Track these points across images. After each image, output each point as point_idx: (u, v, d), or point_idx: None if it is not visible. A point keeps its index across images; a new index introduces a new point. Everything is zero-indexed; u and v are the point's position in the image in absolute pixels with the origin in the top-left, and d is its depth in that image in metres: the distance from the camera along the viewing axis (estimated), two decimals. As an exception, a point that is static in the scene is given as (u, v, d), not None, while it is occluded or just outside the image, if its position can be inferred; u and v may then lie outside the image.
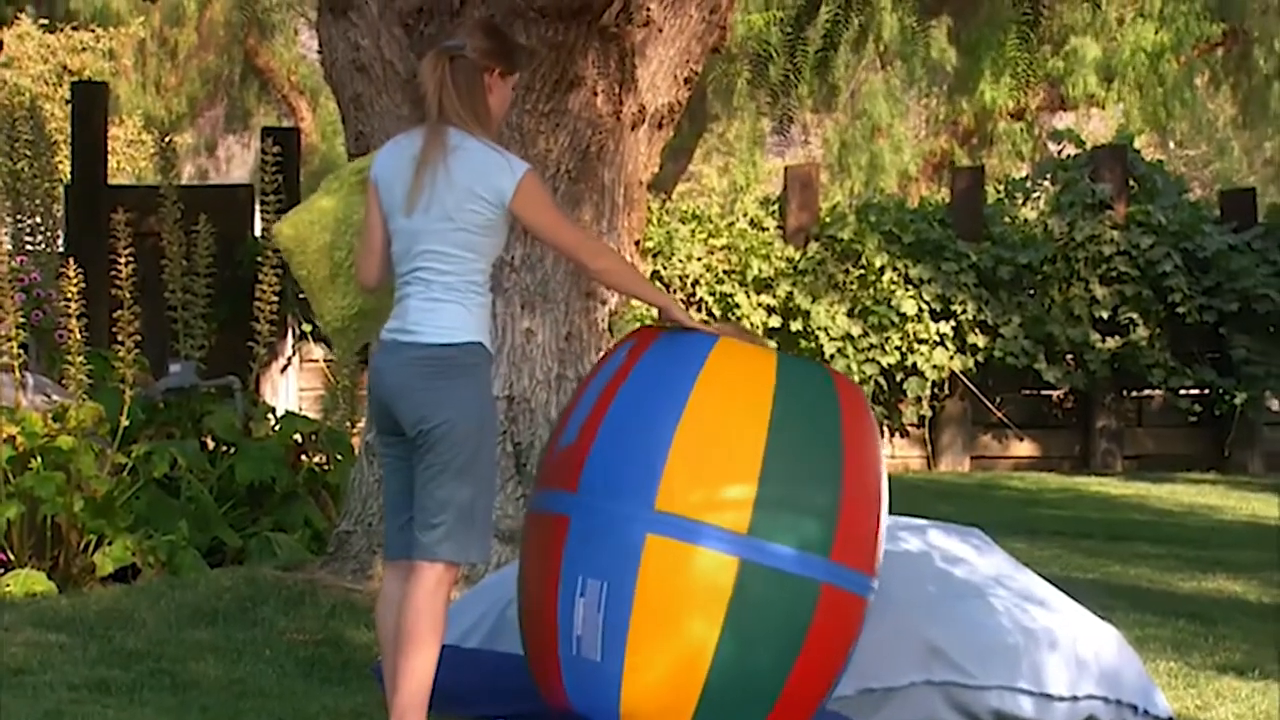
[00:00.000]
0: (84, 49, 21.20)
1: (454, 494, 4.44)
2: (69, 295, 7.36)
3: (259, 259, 8.54)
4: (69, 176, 12.04)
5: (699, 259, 13.66)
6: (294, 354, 12.44)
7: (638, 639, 4.42)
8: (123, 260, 7.64)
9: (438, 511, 4.45)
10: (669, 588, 4.42)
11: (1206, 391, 14.18)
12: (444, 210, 4.51)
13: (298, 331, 12.43)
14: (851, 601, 4.59)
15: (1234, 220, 14.46)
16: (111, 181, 13.83)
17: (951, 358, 13.72)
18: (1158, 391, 14.23)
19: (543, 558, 4.57)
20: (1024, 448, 14.21)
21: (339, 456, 8.16)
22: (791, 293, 13.61)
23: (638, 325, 13.06)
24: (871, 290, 13.69)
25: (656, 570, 4.42)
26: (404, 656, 4.42)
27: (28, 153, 9.05)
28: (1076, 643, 5.31)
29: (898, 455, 13.97)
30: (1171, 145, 29.14)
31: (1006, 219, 14.39)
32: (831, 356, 13.52)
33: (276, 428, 8.22)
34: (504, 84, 4.64)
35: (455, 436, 4.44)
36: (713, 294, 13.62)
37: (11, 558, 7.09)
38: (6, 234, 8.88)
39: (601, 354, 4.92)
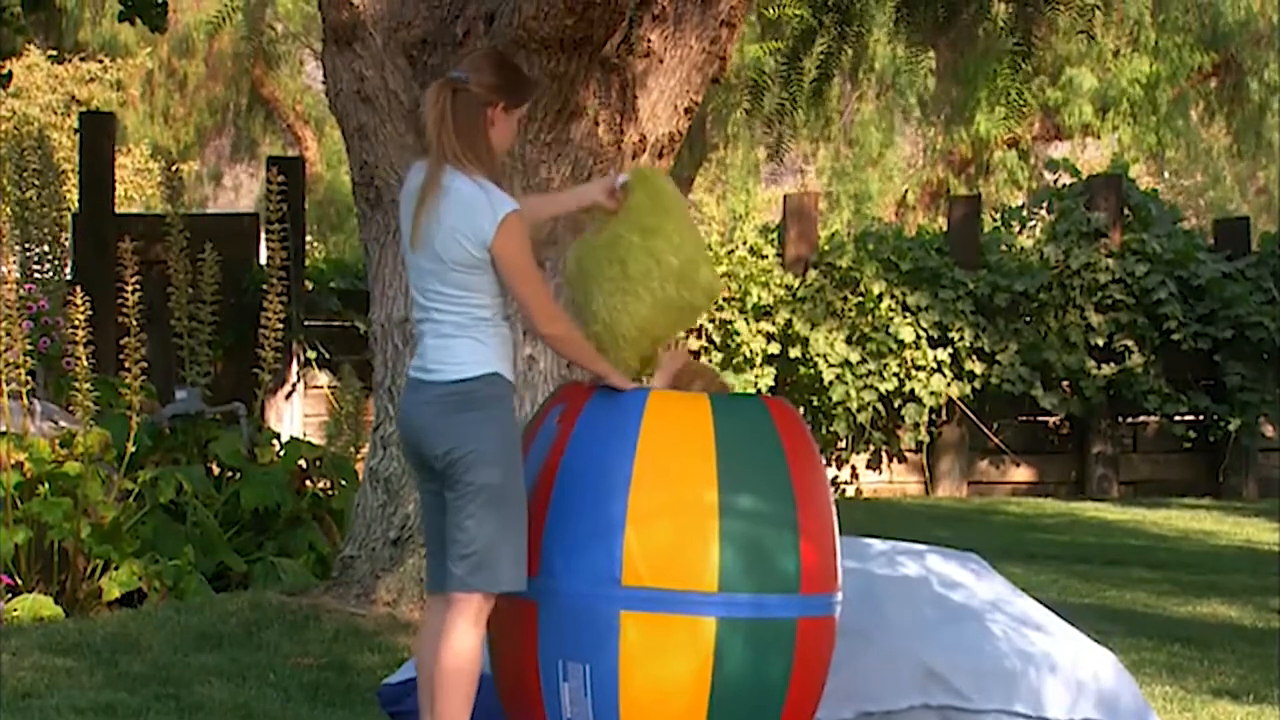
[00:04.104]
0: (91, 79, 21.28)
1: (483, 524, 4.42)
2: (76, 323, 7.38)
3: (264, 286, 8.59)
4: (76, 205, 12.10)
5: (698, 286, 13.71)
6: (299, 380, 12.48)
7: (631, 714, 4.43)
8: (129, 288, 7.68)
9: (468, 542, 4.43)
10: (652, 660, 4.41)
11: (1201, 418, 14.24)
12: (434, 252, 4.50)
13: (302, 358, 12.49)
14: (825, 624, 4.62)
15: (1228, 249, 14.55)
16: (118, 210, 13.91)
17: (949, 384, 13.78)
18: (1153, 418, 14.29)
19: (516, 643, 4.55)
20: (1021, 473, 14.25)
21: (343, 482, 8.18)
22: (791, 320, 13.67)
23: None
24: (870, 317, 13.75)
25: (636, 646, 4.40)
26: (441, 690, 4.44)
27: (36, 182, 9.06)
28: (1074, 667, 5.32)
29: (895, 481, 14.03)
30: (1166, 175, 29.21)
31: (1003, 247, 14.46)
32: (830, 383, 13.58)
33: (281, 453, 8.24)
34: (508, 118, 4.59)
35: (481, 467, 4.43)
36: (713, 321, 13.69)
37: (19, 582, 7.12)
38: (14, 262, 8.91)
39: (530, 420, 4.86)
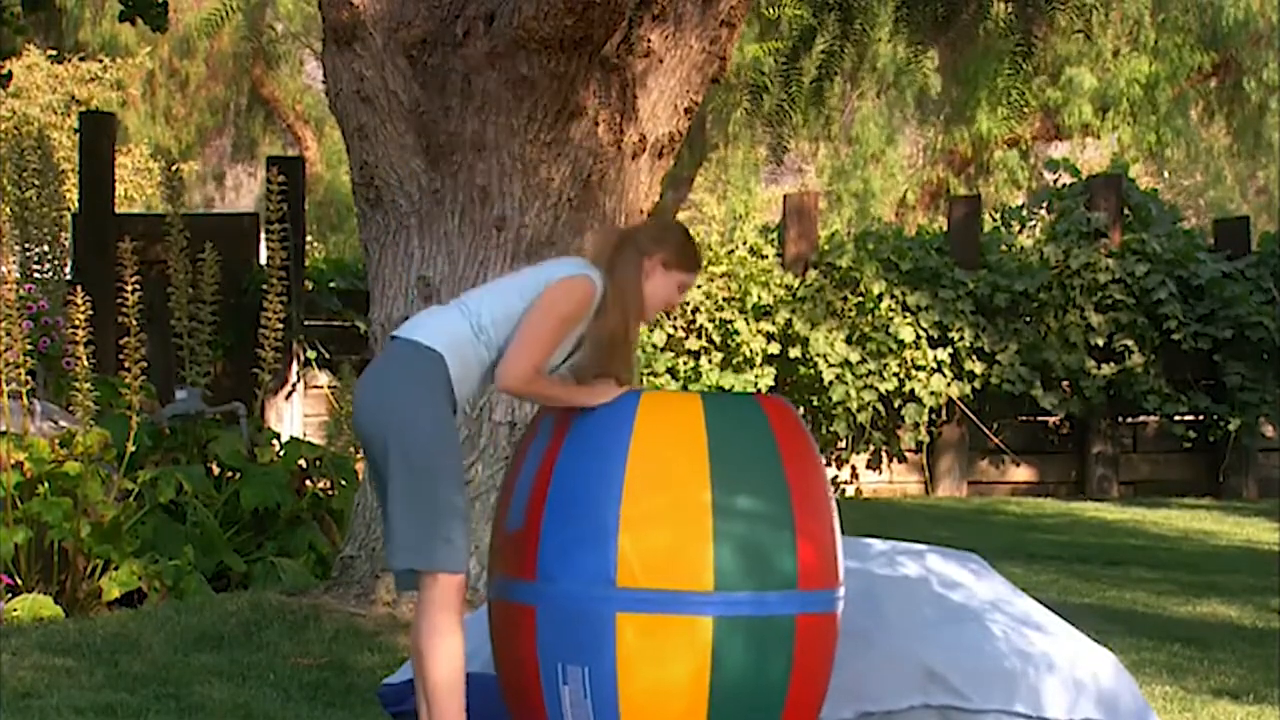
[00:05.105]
0: (92, 79, 21.29)
1: (410, 503, 4.42)
2: (76, 322, 7.38)
3: (264, 286, 8.59)
4: (76, 205, 12.10)
5: (699, 286, 13.73)
6: (299, 380, 12.49)
7: (630, 716, 4.42)
8: (129, 288, 7.68)
9: (398, 523, 4.44)
10: (650, 661, 4.41)
11: (1201, 418, 14.25)
12: (518, 271, 4.79)
13: (302, 358, 12.50)
14: (826, 620, 4.61)
15: (1228, 248, 14.56)
16: (118, 210, 13.91)
17: (949, 384, 13.78)
18: (1153, 418, 14.29)
19: (516, 648, 4.56)
20: (1021, 473, 14.26)
21: (343, 482, 8.18)
22: (790, 320, 13.68)
23: (638, 352, 13.09)
24: (870, 317, 13.76)
25: (634, 647, 4.40)
26: (433, 700, 4.47)
27: (36, 181, 9.07)
28: (1073, 667, 5.32)
29: (896, 481, 14.03)
30: (1166, 174, 29.23)
31: (1003, 247, 14.47)
32: (830, 383, 13.58)
33: (281, 453, 8.23)
34: (665, 275, 4.68)
35: (404, 449, 4.43)
36: (713, 321, 13.69)
37: (19, 582, 7.12)
38: (14, 262, 8.91)
39: (530, 421, 4.85)
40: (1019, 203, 16.89)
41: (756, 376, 13.59)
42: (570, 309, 4.54)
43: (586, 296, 4.56)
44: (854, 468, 13.96)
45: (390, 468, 4.45)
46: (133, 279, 7.73)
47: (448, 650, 4.46)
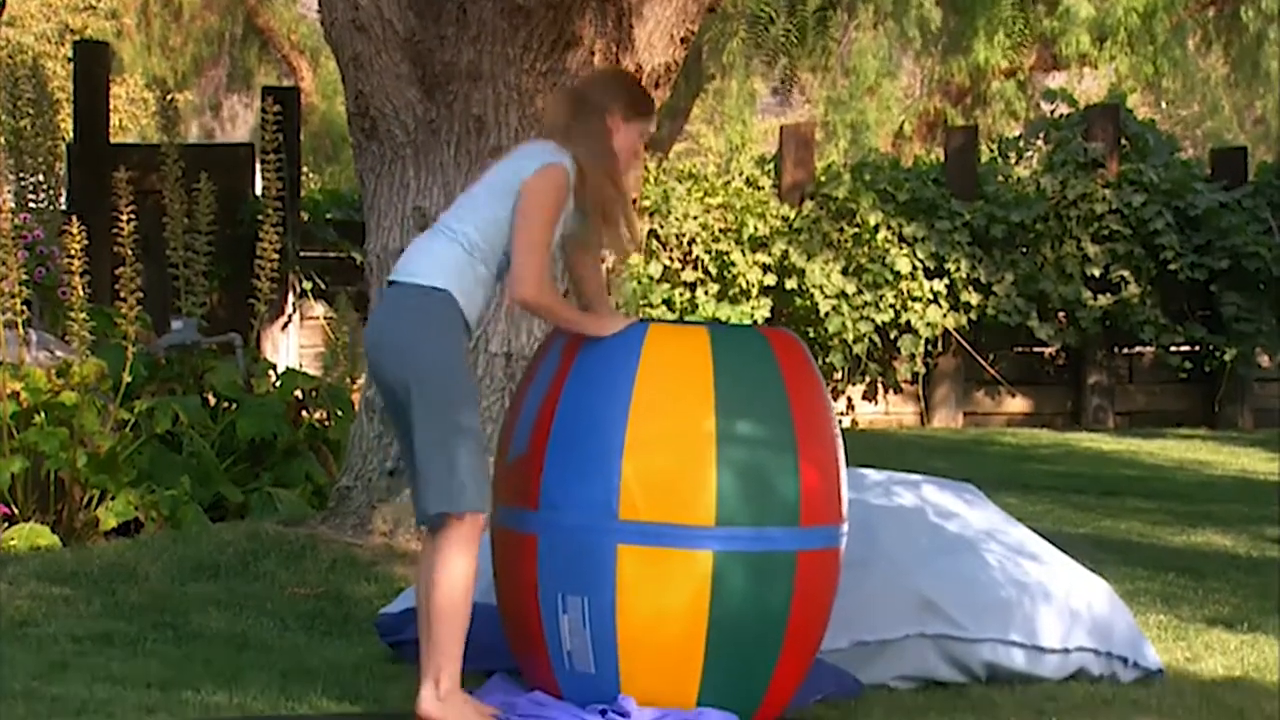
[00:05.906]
0: (86, 8, 21.17)
1: (434, 445, 4.43)
2: (72, 252, 7.38)
3: (260, 217, 8.57)
4: (71, 135, 12.05)
5: (695, 218, 13.70)
6: (295, 311, 12.48)
7: (628, 647, 4.45)
8: (125, 218, 7.66)
9: (423, 467, 4.45)
10: (649, 593, 4.42)
11: (1197, 348, 14.25)
12: (484, 175, 4.71)
13: (298, 289, 12.48)
14: (827, 556, 4.62)
15: (1225, 179, 14.52)
16: (114, 140, 13.85)
17: (945, 315, 13.78)
18: (1149, 348, 14.29)
19: (517, 576, 4.58)
20: (1016, 404, 14.27)
21: (339, 412, 8.18)
22: (787, 251, 13.65)
23: (634, 283, 13.10)
24: (866, 248, 13.73)
25: (633, 579, 4.42)
26: (437, 622, 4.48)
27: (30, 111, 9.05)
28: (1068, 596, 5.35)
29: (892, 412, 14.04)
30: (1163, 105, 29.11)
31: (1000, 178, 14.42)
32: (826, 314, 13.57)
33: (277, 384, 8.22)
34: (628, 127, 4.71)
35: (423, 390, 4.44)
36: (709, 252, 13.66)
37: (16, 512, 7.14)
38: (9, 192, 8.89)
39: (536, 351, 4.85)
40: (1016, 133, 16.80)
41: (753, 308, 13.58)
42: (552, 198, 4.57)
43: (562, 181, 4.58)
44: (850, 399, 13.97)
45: (414, 415, 4.45)
46: (128, 209, 7.70)
47: (461, 570, 4.47)
